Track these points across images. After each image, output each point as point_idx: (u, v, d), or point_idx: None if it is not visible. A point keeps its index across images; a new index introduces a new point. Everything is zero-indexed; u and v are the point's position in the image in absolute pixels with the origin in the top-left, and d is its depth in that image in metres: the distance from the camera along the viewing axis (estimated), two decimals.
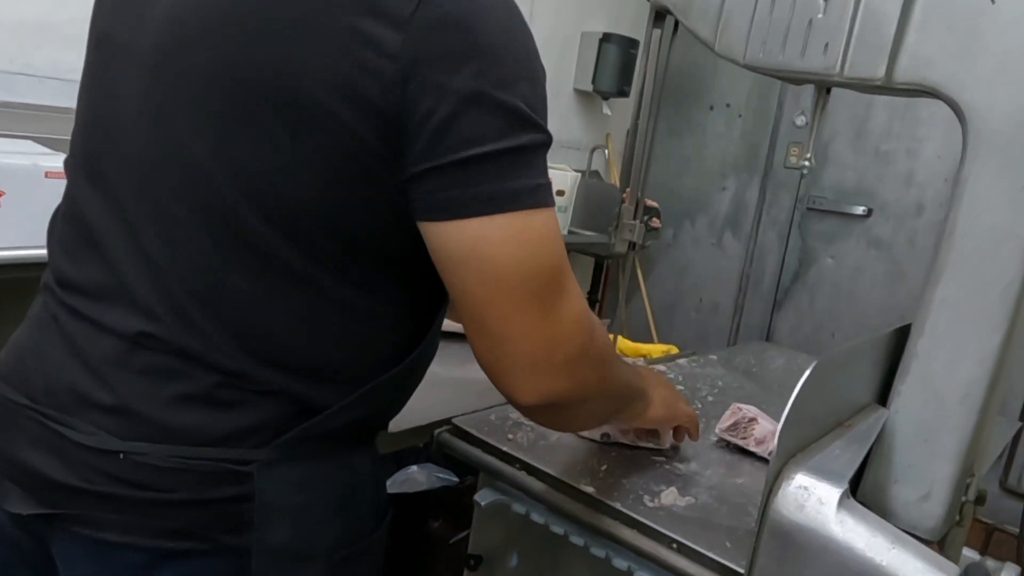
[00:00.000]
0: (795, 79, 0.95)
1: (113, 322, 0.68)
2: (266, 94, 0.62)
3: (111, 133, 0.71)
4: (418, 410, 1.04)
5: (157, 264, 0.67)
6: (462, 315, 0.66)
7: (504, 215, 0.62)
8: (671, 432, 1.01)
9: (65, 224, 0.75)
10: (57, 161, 1.38)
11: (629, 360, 1.53)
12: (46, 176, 1.32)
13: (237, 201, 0.64)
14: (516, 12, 0.65)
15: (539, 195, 0.64)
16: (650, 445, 1.02)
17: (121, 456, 0.65)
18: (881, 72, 0.83)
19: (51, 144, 1.51)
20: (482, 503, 0.95)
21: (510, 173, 0.62)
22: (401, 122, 0.60)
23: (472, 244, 0.62)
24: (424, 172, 0.62)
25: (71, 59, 1.79)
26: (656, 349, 1.70)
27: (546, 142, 0.65)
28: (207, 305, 0.66)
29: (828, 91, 1.02)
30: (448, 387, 1.14)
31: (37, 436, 0.68)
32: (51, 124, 1.66)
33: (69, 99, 1.76)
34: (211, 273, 0.66)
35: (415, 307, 0.75)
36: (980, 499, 0.88)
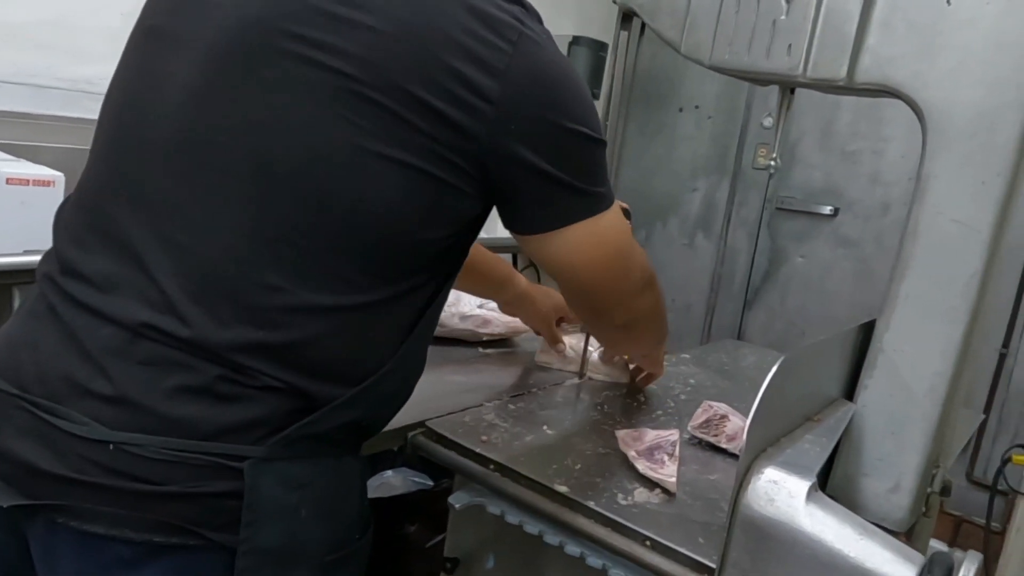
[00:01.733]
0: (760, 80, 0.96)
1: (117, 311, 0.67)
2: (353, 95, 0.65)
3: (153, 120, 0.71)
4: None
5: (184, 251, 0.67)
6: (572, 293, 0.88)
7: (596, 217, 0.79)
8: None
9: (77, 213, 0.75)
10: (19, 168, 1.35)
11: None
12: (7, 183, 1.29)
13: (289, 199, 0.66)
14: (567, 57, 0.81)
15: (612, 196, 0.82)
16: (653, 477, 0.96)
17: (111, 447, 0.65)
18: (843, 72, 0.84)
19: (14, 151, 1.48)
20: (457, 505, 0.95)
21: (595, 184, 0.78)
22: (499, 153, 0.71)
23: (579, 244, 0.79)
24: (529, 194, 0.75)
25: (34, 63, 1.76)
26: None
27: (604, 151, 0.80)
28: (229, 294, 0.66)
29: (792, 92, 1.04)
30: (422, 389, 1.14)
31: (25, 425, 0.67)
32: (12, 130, 1.63)
33: (32, 104, 1.73)
34: (239, 264, 0.66)
35: (417, 304, 0.77)
36: (945, 490, 0.89)
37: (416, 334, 0.77)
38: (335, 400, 0.71)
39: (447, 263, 0.79)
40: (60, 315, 0.70)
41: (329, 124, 0.66)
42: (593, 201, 0.78)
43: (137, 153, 0.71)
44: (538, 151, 0.72)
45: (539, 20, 0.76)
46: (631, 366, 1.30)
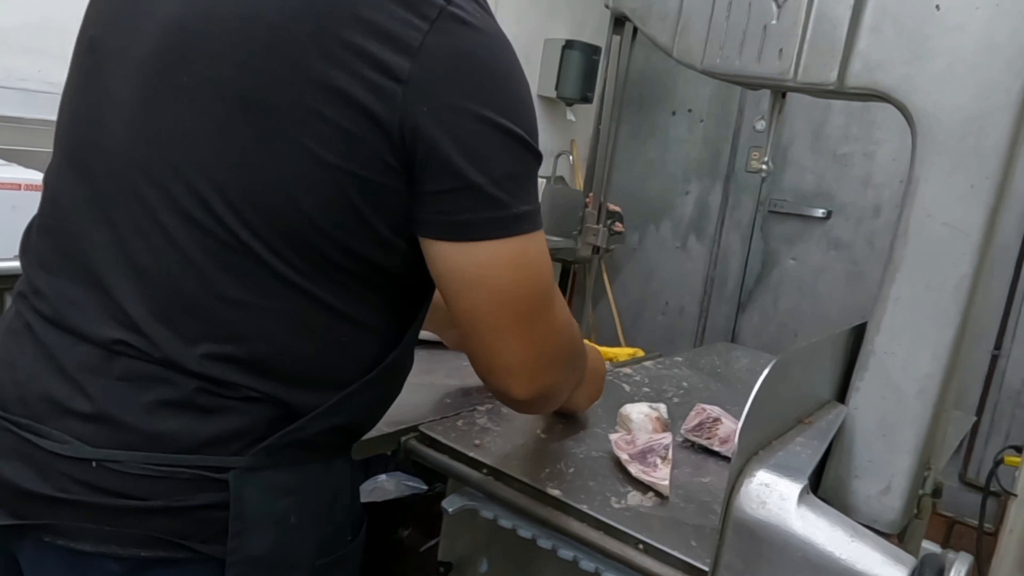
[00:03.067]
0: (751, 84, 0.96)
1: (89, 330, 0.67)
2: (269, 105, 0.63)
3: (99, 138, 0.70)
4: (385, 417, 1.03)
5: (143, 270, 0.66)
6: (461, 327, 0.71)
7: (510, 239, 0.67)
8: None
9: (41, 235, 0.74)
10: (10, 172, 1.34)
11: None
12: None
13: (232, 211, 0.64)
14: (511, 47, 0.69)
15: (537, 219, 0.70)
16: (646, 480, 0.95)
17: (93, 464, 0.64)
18: (833, 77, 0.85)
19: (4, 155, 1.47)
20: (450, 509, 0.95)
21: (516, 198, 0.67)
22: (409, 143, 0.63)
23: (481, 265, 0.67)
24: (436, 194, 0.65)
25: (24, 67, 1.76)
26: (622, 352, 1.71)
27: (538, 164, 0.70)
28: (192, 311, 0.66)
29: (784, 96, 1.05)
30: (415, 394, 1.14)
31: (7, 446, 0.67)
32: (3, 135, 1.63)
33: (22, 108, 1.72)
34: (199, 280, 0.66)
35: (398, 314, 0.75)
36: (937, 492, 0.90)
37: (404, 341, 0.77)
38: (318, 407, 0.70)
39: (419, 268, 0.71)
40: (36, 334, 0.69)
41: (243, 124, 0.64)
42: (512, 217, 0.67)
43: (90, 173, 0.70)
44: (453, 142, 0.63)
45: (483, 4, 0.69)
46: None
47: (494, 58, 0.66)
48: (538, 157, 0.70)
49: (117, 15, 0.72)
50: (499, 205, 0.66)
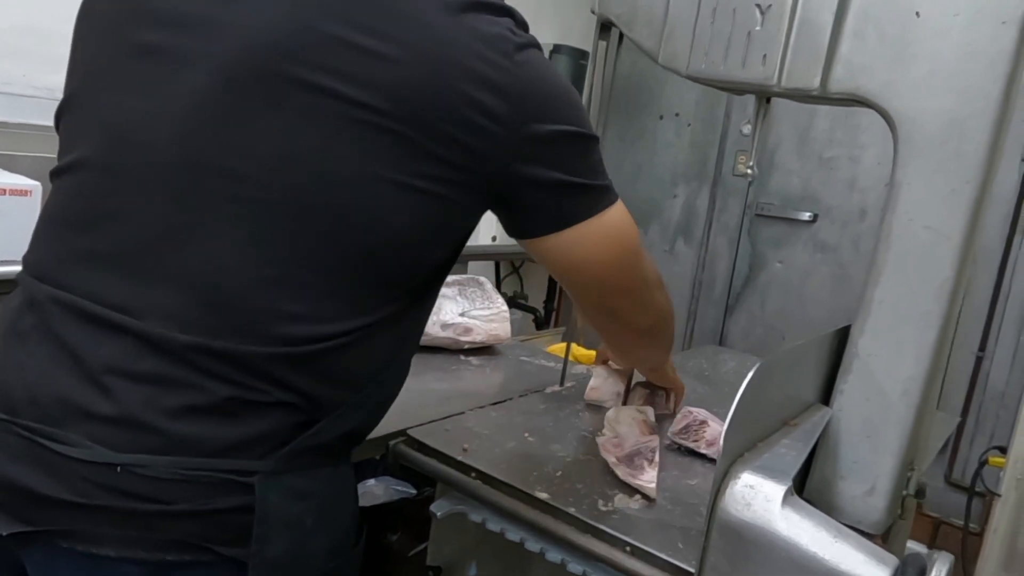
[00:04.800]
0: (736, 89, 0.97)
1: (115, 330, 0.66)
2: (371, 125, 0.65)
3: (149, 140, 0.68)
4: None
5: (194, 272, 0.66)
6: (583, 295, 0.88)
7: (601, 214, 0.79)
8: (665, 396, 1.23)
9: (63, 232, 0.72)
10: None
11: (582, 369, 1.55)
12: None
13: (310, 229, 0.66)
14: (556, 67, 0.81)
15: (614, 191, 0.82)
16: (633, 483, 0.97)
17: (118, 469, 0.64)
18: (817, 82, 0.86)
19: None
20: (438, 513, 0.95)
21: (597, 179, 0.79)
22: (502, 172, 0.72)
23: (586, 242, 0.79)
24: (537, 202, 0.75)
25: (9, 71, 1.75)
26: None
27: (598, 145, 0.80)
28: (233, 312, 0.66)
29: (768, 101, 1.05)
30: (404, 398, 1.14)
31: (18, 450, 0.66)
32: None
33: (7, 113, 1.71)
34: (252, 285, 0.66)
35: (409, 311, 0.78)
36: (920, 492, 0.91)
37: (410, 343, 0.80)
38: (337, 410, 0.72)
39: (442, 275, 0.80)
40: (56, 333, 0.68)
41: (344, 153, 0.66)
42: (598, 196, 0.78)
43: (139, 176, 0.68)
44: (545, 161, 0.73)
45: (525, 26, 0.77)
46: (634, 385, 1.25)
47: (556, 80, 0.75)
48: (596, 139, 0.79)
49: (181, 23, 0.69)
50: (587, 190, 0.77)
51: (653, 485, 0.92)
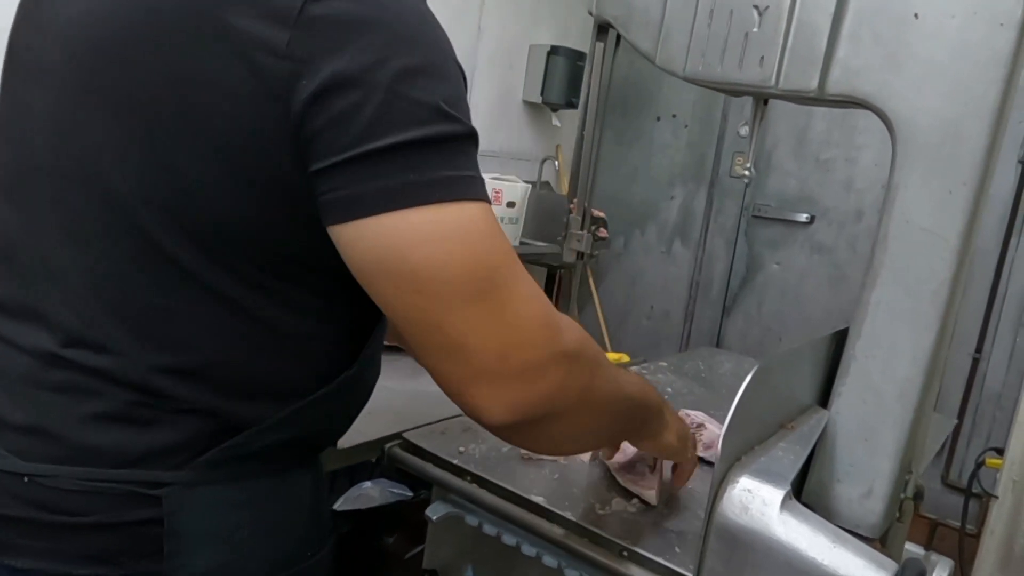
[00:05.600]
0: (733, 91, 0.97)
1: (28, 340, 0.66)
2: (165, 104, 0.60)
3: (25, 147, 0.68)
4: (369, 424, 1.03)
5: (73, 280, 0.65)
6: (400, 330, 0.61)
7: (419, 209, 0.56)
8: (663, 475, 0.90)
9: None
10: None
11: None
12: None
13: (148, 214, 0.62)
14: (423, 8, 0.61)
15: (462, 187, 0.58)
16: (633, 489, 0.91)
17: (25, 479, 0.63)
18: (814, 84, 0.85)
19: None
20: (434, 517, 0.95)
21: (425, 165, 0.57)
22: (301, 123, 0.56)
23: (386, 244, 0.56)
24: (326, 169, 0.57)
25: None
26: (608, 358, 1.72)
27: (467, 134, 0.60)
28: (123, 320, 0.64)
29: (765, 102, 1.05)
30: (399, 400, 1.14)
31: None
32: None
33: None
34: (126, 288, 0.64)
35: (351, 322, 0.71)
36: (918, 495, 0.91)
37: (364, 356, 0.73)
38: (262, 421, 0.67)
39: (337, 283, 0.65)
40: None
41: (144, 129, 0.61)
42: (420, 185, 0.56)
43: (21, 187, 0.68)
44: (338, 116, 0.56)
45: None
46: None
47: (384, 14, 0.57)
48: (455, 120, 0.59)
49: (26, 21, 0.70)
50: (400, 171, 0.56)
51: (653, 491, 0.92)
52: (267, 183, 0.60)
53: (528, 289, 0.60)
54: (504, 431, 0.62)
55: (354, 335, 0.71)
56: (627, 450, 0.99)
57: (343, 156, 0.56)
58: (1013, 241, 2.61)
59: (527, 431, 0.62)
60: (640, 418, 0.77)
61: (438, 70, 0.59)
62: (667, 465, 0.93)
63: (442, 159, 0.58)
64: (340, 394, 0.72)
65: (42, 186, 0.67)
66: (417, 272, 0.56)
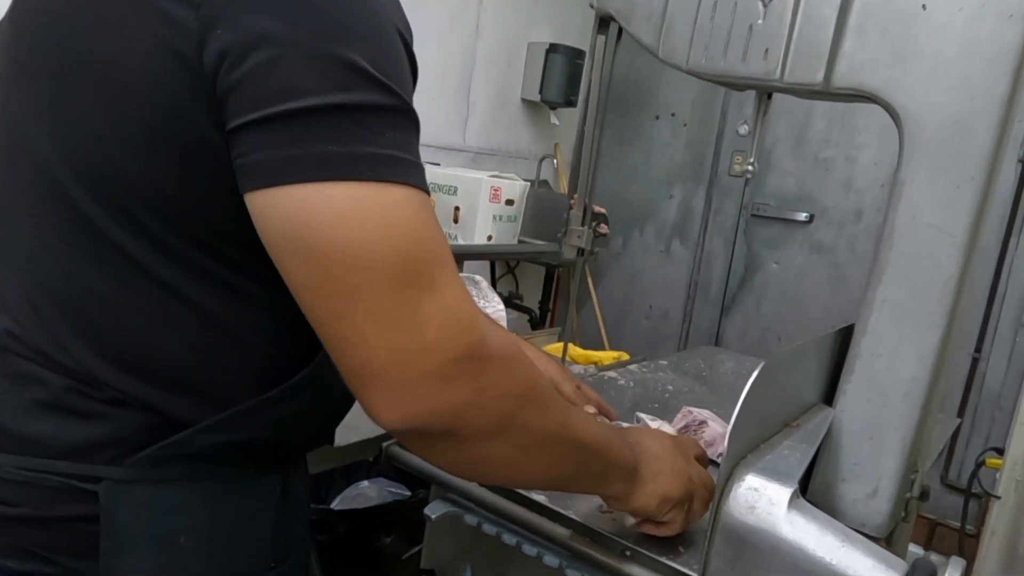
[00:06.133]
0: (737, 84, 0.96)
1: None
2: (82, 67, 0.57)
3: None
4: (366, 422, 1.01)
5: (18, 260, 0.64)
6: (305, 314, 0.55)
7: (338, 184, 0.51)
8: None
9: None
10: None
11: (579, 368, 1.53)
12: None
13: (74, 187, 0.59)
14: None
15: (389, 166, 0.53)
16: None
17: None
18: (820, 77, 0.84)
19: None
20: (433, 516, 0.93)
21: (347, 135, 0.52)
22: (215, 79, 0.52)
23: (297, 217, 0.51)
24: (239, 129, 0.52)
25: None
26: (607, 356, 1.71)
27: (401, 108, 0.55)
28: (58, 302, 0.62)
29: (769, 97, 1.04)
30: None
31: None
32: None
33: None
34: (60, 268, 0.62)
35: (301, 317, 0.58)
36: (924, 495, 0.89)
37: (320, 361, 0.66)
38: (201, 420, 0.63)
39: (266, 269, 0.59)
40: None
41: (62, 92, 0.58)
42: (344, 158, 0.51)
43: None
44: (253, 72, 0.51)
45: None
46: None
47: None
48: (385, 88, 0.53)
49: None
50: (321, 140, 0.51)
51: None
52: (183, 144, 0.55)
53: (453, 292, 0.55)
54: (399, 436, 0.59)
55: (309, 333, 0.57)
56: None
57: (257, 115, 0.51)
58: (1013, 240, 2.61)
59: (424, 443, 0.58)
60: (596, 471, 0.70)
61: (373, 33, 0.54)
62: None
63: (369, 132, 0.52)
64: (295, 397, 0.66)
65: None
66: (326, 253, 0.51)
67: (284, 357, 0.65)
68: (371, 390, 0.54)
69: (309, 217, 0.51)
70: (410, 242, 0.53)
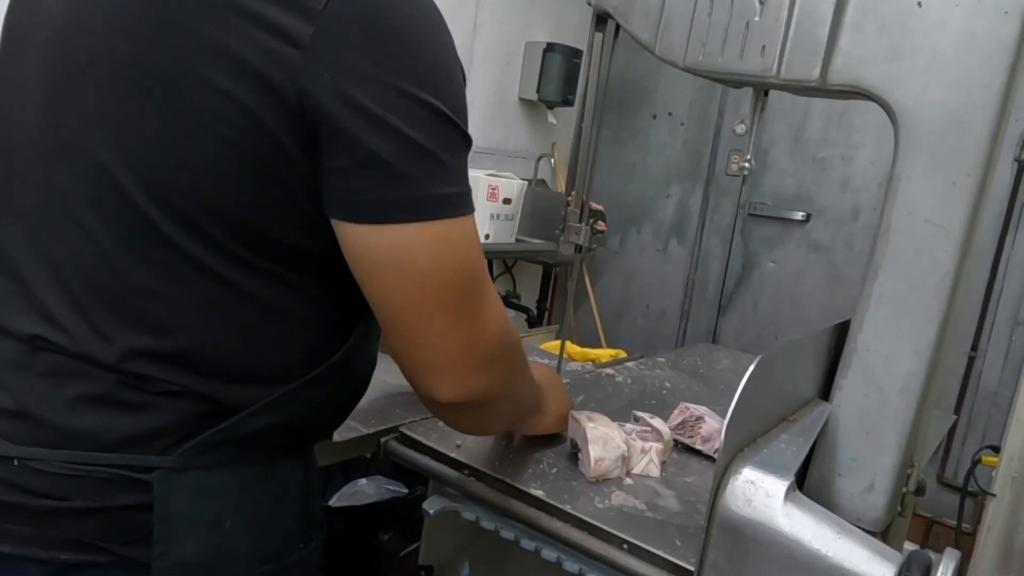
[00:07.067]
0: (734, 81, 0.96)
1: (10, 324, 0.65)
2: (163, 79, 0.59)
3: (13, 128, 0.68)
4: (365, 419, 1.02)
5: (56, 260, 0.64)
6: (380, 318, 0.66)
7: (428, 223, 0.61)
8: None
9: None
10: None
11: (576, 366, 1.53)
12: None
13: (141, 194, 0.61)
14: (435, 12, 0.64)
15: (461, 203, 0.63)
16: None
17: (15, 463, 0.62)
18: (816, 73, 0.85)
19: None
20: (431, 511, 0.94)
21: (435, 178, 0.61)
22: (310, 115, 0.58)
23: (394, 251, 0.61)
24: (341, 170, 0.60)
25: None
26: (604, 353, 1.71)
27: (468, 145, 0.65)
28: (107, 301, 0.63)
29: (766, 94, 1.04)
30: (395, 395, 1.12)
31: None
32: None
33: None
34: (113, 270, 0.63)
35: (342, 306, 0.70)
36: (920, 490, 0.90)
37: (356, 339, 0.72)
38: (251, 405, 0.66)
39: (332, 264, 0.67)
40: None
41: (143, 100, 0.60)
42: (431, 200, 0.61)
43: (8, 167, 0.68)
44: (357, 113, 0.58)
45: None
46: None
47: (408, 21, 0.60)
48: (462, 134, 0.63)
49: (18, 1, 0.70)
50: (412, 184, 0.60)
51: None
52: (270, 168, 0.60)
53: (494, 294, 0.69)
54: (448, 409, 0.70)
55: (347, 321, 0.71)
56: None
57: (357, 158, 0.59)
58: (1009, 239, 2.61)
59: (461, 413, 0.72)
60: (530, 411, 0.91)
61: (448, 76, 0.63)
62: (593, 448, 0.92)
63: (449, 172, 0.62)
64: (329, 379, 0.71)
65: (29, 164, 0.66)
66: (422, 276, 0.62)
67: (324, 342, 0.70)
68: (440, 377, 0.66)
69: (407, 249, 0.61)
70: (474, 263, 0.66)
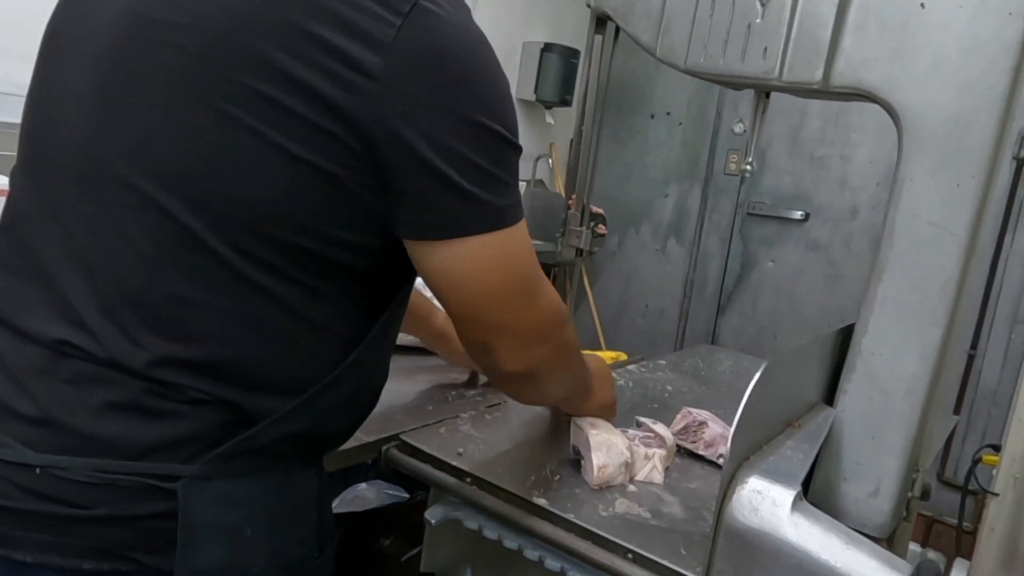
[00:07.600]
0: (735, 84, 0.96)
1: (36, 330, 0.65)
2: (230, 97, 0.61)
3: (55, 132, 0.68)
4: (366, 426, 1.00)
5: (90, 265, 0.64)
6: (455, 318, 0.73)
7: (493, 234, 0.67)
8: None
9: (2, 235, 0.72)
10: None
11: None
12: None
13: (184, 203, 0.62)
14: (487, 41, 0.69)
15: (516, 211, 0.70)
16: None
17: (37, 470, 0.61)
18: (819, 75, 0.84)
19: None
20: (433, 520, 0.93)
21: (496, 193, 0.67)
22: (382, 142, 0.62)
23: (467, 262, 0.68)
24: (415, 193, 0.65)
25: None
26: (605, 356, 1.70)
27: (519, 155, 0.71)
28: (139, 307, 0.63)
29: (767, 96, 1.04)
30: (396, 401, 1.12)
31: None
32: None
33: None
34: (149, 276, 0.63)
35: (358, 315, 0.72)
36: (925, 494, 0.89)
37: (367, 343, 0.73)
38: (274, 413, 0.67)
39: (385, 268, 0.72)
40: None
41: (203, 115, 0.61)
42: (493, 213, 0.67)
43: (47, 170, 0.68)
44: (428, 141, 0.63)
45: None
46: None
47: (469, 53, 0.65)
48: (517, 150, 0.69)
49: (74, 6, 0.70)
50: (480, 202, 0.66)
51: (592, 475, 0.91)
52: (336, 190, 0.63)
53: (547, 280, 0.77)
54: (513, 378, 0.79)
55: (358, 329, 0.73)
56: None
57: (431, 185, 0.64)
58: (1008, 238, 2.61)
59: (521, 382, 0.81)
60: (581, 388, 0.97)
61: (502, 99, 0.68)
62: (596, 455, 0.92)
63: (508, 187, 0.69)
64: (344, 383, 0.72)
65: (72, 168, 0.66)
66: (492, 282, 0.70)
67: (344, 348, 0.72)
68: (507, 353, 0.75)
69: (479, 258, 0.68)
70: (533, 258, 0.74)
